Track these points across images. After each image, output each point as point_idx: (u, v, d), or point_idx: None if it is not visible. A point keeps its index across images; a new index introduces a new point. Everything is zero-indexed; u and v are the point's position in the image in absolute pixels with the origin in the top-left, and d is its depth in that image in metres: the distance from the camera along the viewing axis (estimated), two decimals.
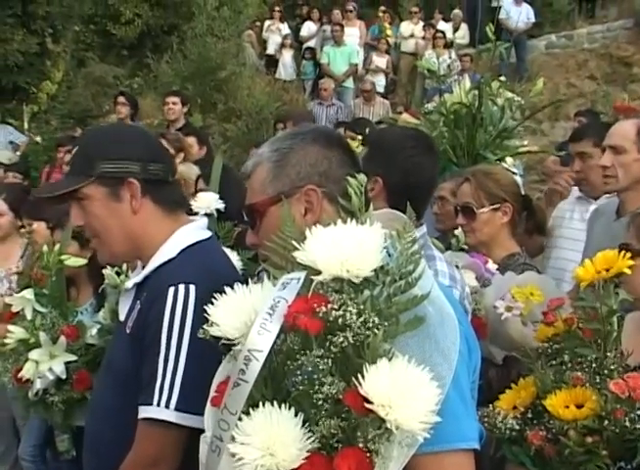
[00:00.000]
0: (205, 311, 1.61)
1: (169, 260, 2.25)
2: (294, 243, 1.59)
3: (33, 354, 3.15)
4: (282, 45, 16.53)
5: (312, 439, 1.39)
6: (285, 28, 17.07)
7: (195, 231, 2.35)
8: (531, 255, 3.94)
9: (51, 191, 2.44)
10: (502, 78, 4.59)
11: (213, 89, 14.92)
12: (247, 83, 15.14)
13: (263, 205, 1.94)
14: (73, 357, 3.17)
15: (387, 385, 1.38)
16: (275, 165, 1.95)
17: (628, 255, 2.13)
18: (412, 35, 16.11)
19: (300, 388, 1.44)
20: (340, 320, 1.44)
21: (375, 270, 1.52)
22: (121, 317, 2.35)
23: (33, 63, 15.36)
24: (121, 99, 8.96)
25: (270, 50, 16.93)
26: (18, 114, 16.33)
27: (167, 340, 2.10)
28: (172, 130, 7.74)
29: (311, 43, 16.69)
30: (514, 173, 4.24)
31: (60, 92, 17.23)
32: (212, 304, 1.62)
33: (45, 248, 3.44)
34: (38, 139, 13.65)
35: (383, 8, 17.18)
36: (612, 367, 2.07)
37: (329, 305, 1.45)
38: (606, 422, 1.99)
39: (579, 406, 2.03)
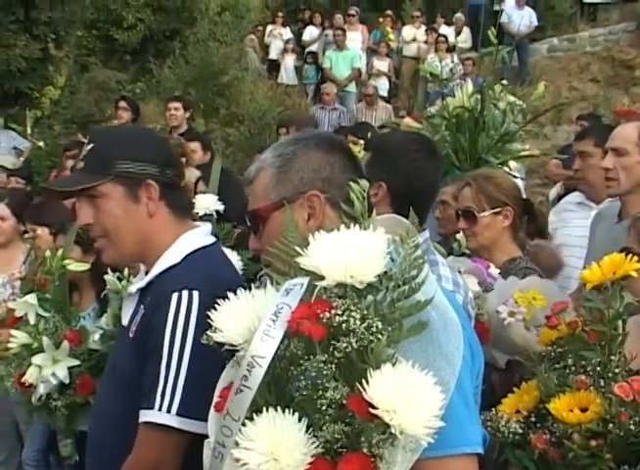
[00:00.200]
0: (209, 317, 1.61)
1: (173, 266, 2.25)
2: (296, 248, 1.59)
3: (36, 359, 3.15)
4: (284, 50, 16.57)
5: (316, 444, 1.39)
6: (287, 33, 17.11)
7: (199, 237, 2.35)
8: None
9: (67, 185, 2.40)
10: (504, 82, 4.59)
11: (216, 94, 14.96)
12: (249, 88, 15.18)
13: (266, 210, 1.94)
14: (76, 362, 3.17)
15: (391, 390, 1.38)
16: (278, 171, 1.95)
17: (635, 258, 2.13)
18: (414, 39, 16.13)
19: (304, 393, 1.44)
20: (343, 326, 1.43)
21: (378, 276, 1.52)
22: (124, 322, 2.35)
23: (36, 68, 15.36)
24: (122, 104, 8.92)
25: (272, 55, 16.98)
26: (21, 119, 16.36)
27: (170, 345, 2.10)
28: (175, 135, 7.73)
29: (313, 48, 16.72)
30: (515, 177, 4.24)
31: (62, 97, 17.25)
32: (215, 310, 1.62)
33: (48, 253, 3.44)
34: (41, 144, 13.67)
35: (387, 12, 17.20)
36: (616, 370, 2.07)
37: (332, 311, 1.45)
38: (610, 425, 1.98)
39: (584, 410, 2.02)
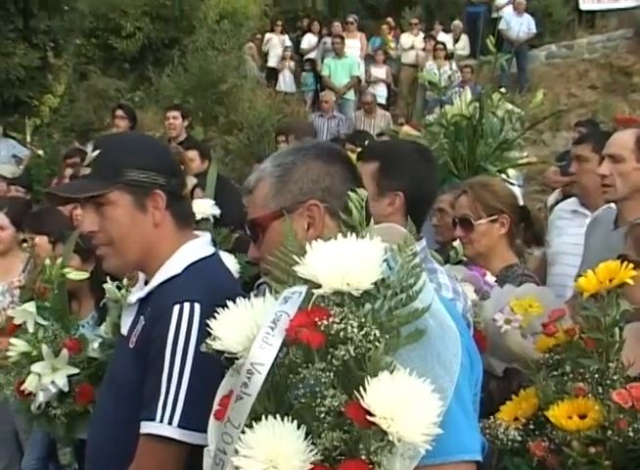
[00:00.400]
0: (209, 329, 1.61)
1: (174, 277, 2.24)
2: (295, 257, 1.60)
3: (36, 367, 3.16)
4: (282, 57, 16.59)
5: (315, 451, 1.40)
6: (285, 41, 17.13)
7: (200, 247, 2.35)
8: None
9: (75, 192, 2.36)
10: (503, 90, 4.60)
11: (215, 102, 14.98)
12: (248, 96, 15.20)
13: (265, 219, 1.94)
14: (76, 370, 3.17)
15: (388, 397, 1.38)
16: (277, 181, 1.96)
17: (631, 265, 2.14)
18: (412, 47, 16.16)
19: (303, 401, 1.44)
20: (341, 333, 1.44)
21: (375, 283, 1.53)
22: (123, 331, 2.35)
23: (35, 76, 15.38)
24: (120, 112, 8.85)
25: (271, 62, 17.00)
26: (20, 127, 16.39)
27: (172, 357, 2.10)
28: (174, 144, 7.73)
29: (312, 55, 16.76)
30: (512, 184, 4.25)
31: (62, 105, 17.29)
32: (216, 319, 1.63)
33: (47, 261, 3.45)
34: (41, 152, 13.69)
35: (388, 20, 17.23)
36: (614, 378, 2.07)
37: (330, 319, 1.46)
38: (609, 432, 1.98)
39: (582, 417, 2.03)
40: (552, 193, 7.44)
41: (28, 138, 16.28)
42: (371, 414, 1.37)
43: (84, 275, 3.51)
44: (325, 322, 1.45)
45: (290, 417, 1.43)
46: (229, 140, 14.33)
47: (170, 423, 2.07)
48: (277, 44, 17.00)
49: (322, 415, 1.41)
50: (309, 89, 16.30)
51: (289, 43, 17.12)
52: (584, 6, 17.12)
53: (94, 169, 2.28)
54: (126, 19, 16.74)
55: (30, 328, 3.29)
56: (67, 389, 3.15)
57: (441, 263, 3.15)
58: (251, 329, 1.54)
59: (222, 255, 2.62)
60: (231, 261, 3.40)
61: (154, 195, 2.26)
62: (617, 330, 2.13)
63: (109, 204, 2.24)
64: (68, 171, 7.15)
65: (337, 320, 1.46)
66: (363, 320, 1.47)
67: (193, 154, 6.70)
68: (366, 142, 6.66)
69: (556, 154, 9.72)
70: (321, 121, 12.79)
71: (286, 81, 16.40)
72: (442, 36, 16.47)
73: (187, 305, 2.13)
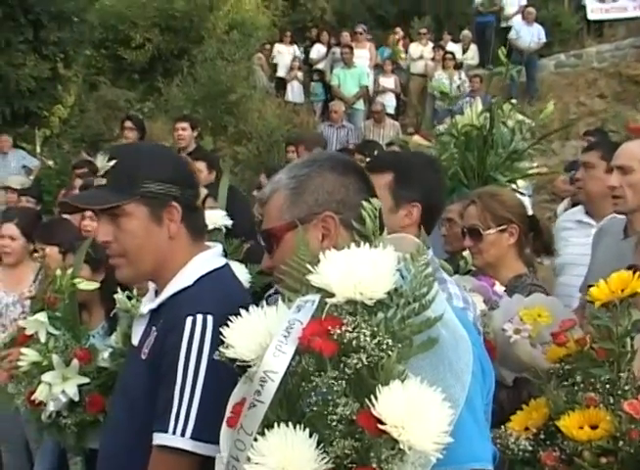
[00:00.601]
0: (223, 342, 1.62)
1: (186, 288, 2.24)
2: (308, 266, 1.61)
3: (46, 377, 3.17)
4: (291, 68, 16.63)
5: (326, 459, 1.40)
6: (294, 51, 17.17)
7: (212, 258, 2.34)
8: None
9: (92, 203, 2.35)
10: (513, 101, 4.61)
11: (224, 112, 14.99)
12: (257, 106, 15.21)
13: (280, 230, 1.95)
14: (86, 380, 3.18)
15: (400, 406, 1.39)
16: (292, 193, 1.97)
17: None
18: (421, 57, 16.17)
19: (315, 409, 1.45)
20: (354, 342, 1.45)
21: (388, 293, 1.53)
22: (134, 341, 2.35)
23: (45, 87, 15.42)
24: (128, 124, 8.84)
25: (280, 73, 17.03)
26: (30, 138, 16.44)
27: (184, 369, 2.09)
28: (183, 154, 7.74)
29: (321, 65, 16.79)
30: (522, 194, 4.24)
31: (72, 116, 17.35)
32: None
33: (58, 272, 3.46)
34: (50, 163, 13.73)
35: (396, 30, 17.24)
36: (625, 388, 2.06)
37: (343, 328, 1.46)
38: (621, 443, 1.98)
39: (594, 427, 2.02)
40: (561, 202, 7.43)
41: (38, 149, 16.33)
42: (382, 423, 1.37)
43: (95, 285, 3.52)
44: (338, 331, 1.46)
45: (302, 425, 1.44)
46: (238, 150, 14.34)
47: (183, 435, 2.06)
48: (286, 54, 17.05)
49: (334, 423, 1.41)
50: (318, 99, 16.33)
51: (298, 53, 17.17)
52: (592, 16, 17.13)
53: (110, 180, 2.26)
54: (136, 30, 16.84)
55: (42, 338, 3.30)
56: (77, 398, 3.16)
57: (451, 273, 3.15)
58: (265, 337, 1.55)
59: (233, 265, 2.61)
60: (242, 272, 3.40)
61: (170, 207, 2.25)
62: (628, 340, 2.13)
63: (125, 215, 2.23)
64: (78, 182, 7.16)
65: (349, 329, 1.46)
66: (376, 329, 1.48)
67: (200, 165, 6.70)
68: (375, 152, 6.68)
69: (565, 163, 9.72)
70: (330, 131, 12.79)
71: (294, 91, 16.43)
72: (451, 46, 16.50)
73: (200, 317, 2.13)
